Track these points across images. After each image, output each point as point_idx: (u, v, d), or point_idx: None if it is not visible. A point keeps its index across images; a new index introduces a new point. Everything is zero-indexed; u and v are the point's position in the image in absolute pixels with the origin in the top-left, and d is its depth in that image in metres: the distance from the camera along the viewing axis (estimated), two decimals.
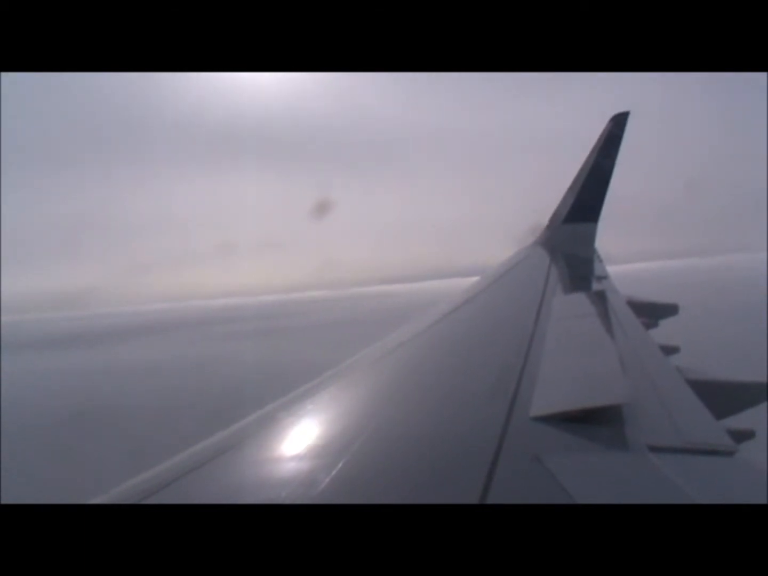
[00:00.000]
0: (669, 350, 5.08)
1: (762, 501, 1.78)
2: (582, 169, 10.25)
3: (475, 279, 7.74)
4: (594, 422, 2.33)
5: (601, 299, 5.34)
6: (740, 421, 3.30)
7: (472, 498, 1.74)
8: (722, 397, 3.51)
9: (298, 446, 2.42)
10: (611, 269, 8.17)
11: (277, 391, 3.35)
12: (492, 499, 1.74)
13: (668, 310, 7.39)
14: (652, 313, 6.71)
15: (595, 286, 6.47)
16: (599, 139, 10.08)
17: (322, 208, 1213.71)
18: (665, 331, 6.52)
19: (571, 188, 10.37)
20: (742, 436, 2.93)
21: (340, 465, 2.07)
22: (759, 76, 55.39)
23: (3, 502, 2.02)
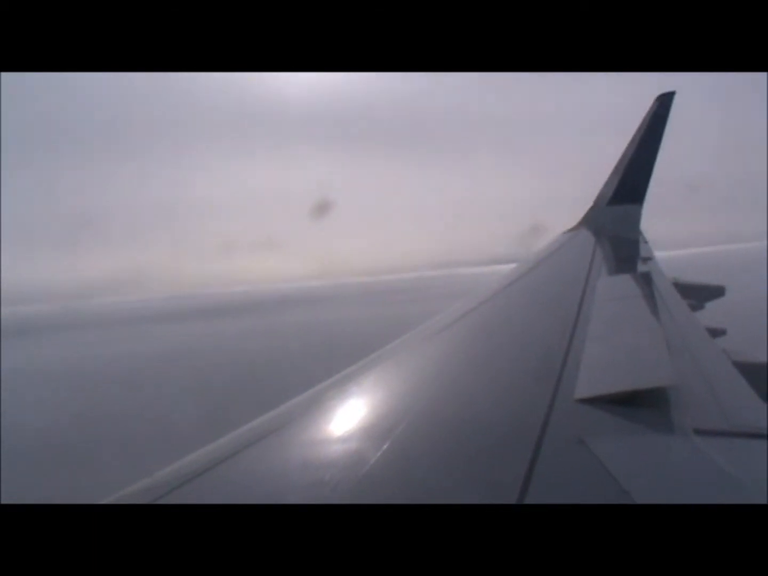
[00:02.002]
0: (715, 333, 5.01)
1: None
2: (627, 150, 10.10)
3: (518, 264, 7.70)
4: (639, 405, 2.33)
5: (646, 281, 5.27)
6: None
7: (516, 480, 1.74)
8: None
9: (345, 427, 2.46)
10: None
11: None
12: (536, 480, 1.75)
13: (715, 292, 7.29)
14: (698, 295, 6.62)
15: (641, 267, 6.38)
16: (644, 120, 9.92)
17: (323, 205, 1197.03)
18: (711, 313, 6.44)
19: (615, 169, 10.22)
20: None
21: (385, 447, 2.10)
22: (759, 76, 52.74)
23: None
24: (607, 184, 10.31)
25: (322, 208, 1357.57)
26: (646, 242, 8.61)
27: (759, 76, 25.86)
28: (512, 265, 7.69)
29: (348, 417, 2.64)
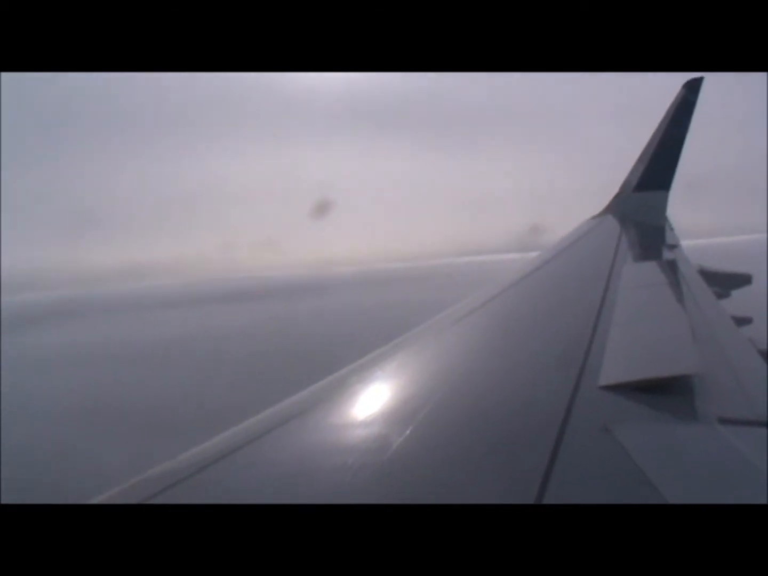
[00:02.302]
0: (741, 321, 4.98)
1: None
2: (654, 136, 9.99)
3: (543, 250, 7.66)
4: (664, 392, 2.32)
5: (672, 268, 5.25)
6: None
7: (538, 467, 1.75)
8: None
9: (367, 413, 2.47)
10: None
11: None
12: (559, 467, 1.75)
13: (741, 280, 7.22)
14: (724, 283, 6.57)
15: (666, 254, 6.34)
16: (672, 105, 9.80)
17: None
18: (737, 302, 6.38)
19: (642, 155, 10.12)
20: None
21: (407, 432, 2.12)
22: (759, 76, 51.65)
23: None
24: (633, 170, 10.21)
25: (345, 197, 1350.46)
26: (672, 229, 8.54)
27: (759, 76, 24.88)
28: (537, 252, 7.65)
29: (370, 402, 2.66)
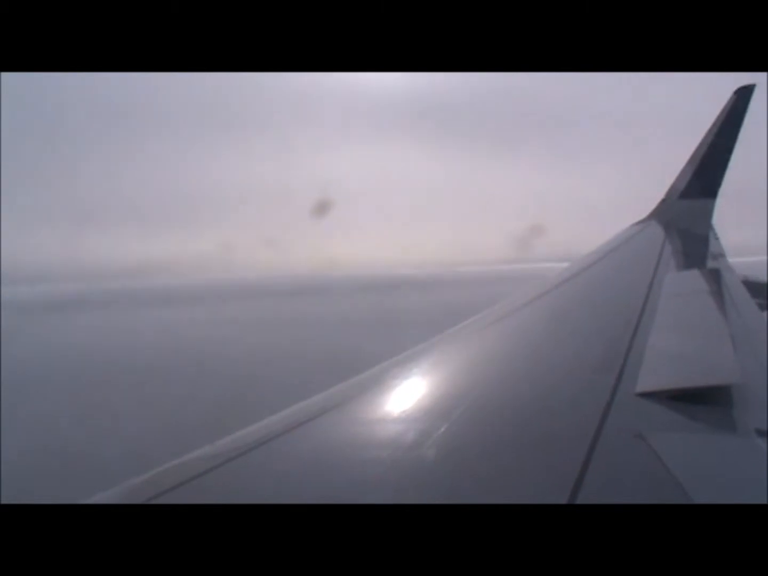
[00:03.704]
0: None
1: None
2: (702, 143, 9.86)
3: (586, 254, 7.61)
4: (702, 402, 2.30)
5: (715, 277, 5.18)
6: None
7: (571, 471, 1.75)
8: None
9: (401, 409, 2.46)
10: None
11: None
12: (591, 473, 1.75)
13: None
14: None
15: (710, 263, 6.27)
16: (721, 113, 9.67)
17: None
18: None
19: (689, 162, 9.99)
20: None
21: (442, 430, 2.13)
22: (759, 76, 49.36)
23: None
24: (680, 177, 10.08)
25: (352, 199, 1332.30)
26: (716, 238, 8.42)
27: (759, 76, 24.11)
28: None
29: (405, 399, 2.65)
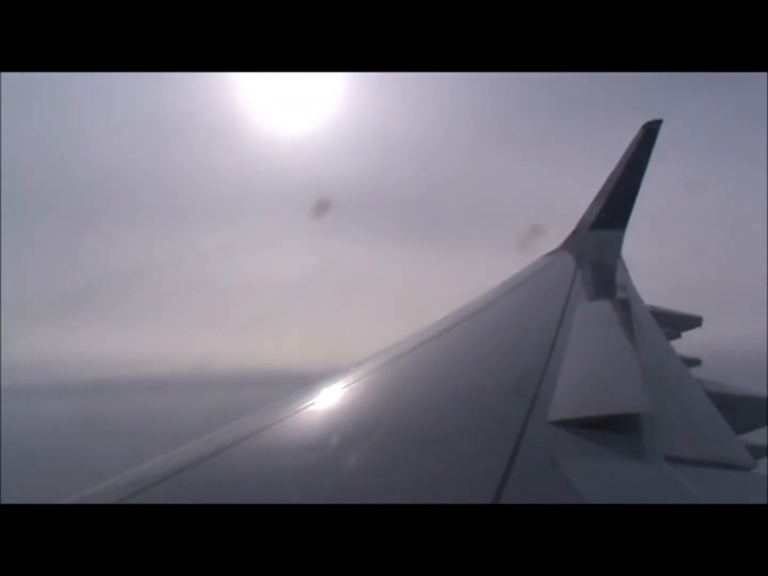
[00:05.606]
0: (691, 362, 5.05)
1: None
2: (612, 175, 10.15)
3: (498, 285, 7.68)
4: (612, 429, 2.33)
5: (624, 308, 5.31)
6: (760, 436, 3.28)
7: (486, 497, 1.74)
8: (742, 411, 3.49)
9: (319, 438, 2.46)
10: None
11: None
12: (506, 499, 1.74)
13: (692, 321, 7.34)
14: (675, 324, 6.67)
15: (620, 294, 6.43)
16: (630, 146, 9.99)
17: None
18: (688, 342, 6.47)
19: (599, 194, 10.27)
20: (760, 451, 2.91)
21: (355, 461, 2.10)
22: (759, 76, 53.50)
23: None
24: (590, 209, 10.35)
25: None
26: (626, 269, 8.66)
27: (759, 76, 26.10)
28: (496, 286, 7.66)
29: (318, 429, 2.64)
